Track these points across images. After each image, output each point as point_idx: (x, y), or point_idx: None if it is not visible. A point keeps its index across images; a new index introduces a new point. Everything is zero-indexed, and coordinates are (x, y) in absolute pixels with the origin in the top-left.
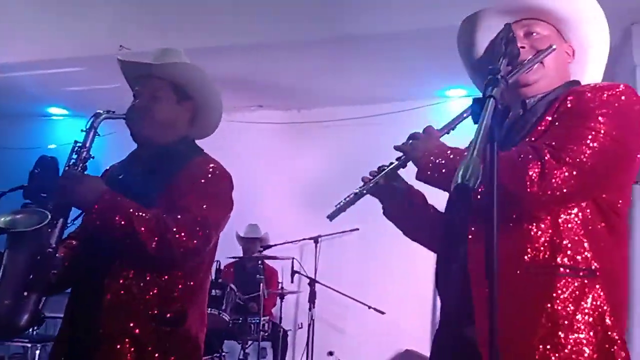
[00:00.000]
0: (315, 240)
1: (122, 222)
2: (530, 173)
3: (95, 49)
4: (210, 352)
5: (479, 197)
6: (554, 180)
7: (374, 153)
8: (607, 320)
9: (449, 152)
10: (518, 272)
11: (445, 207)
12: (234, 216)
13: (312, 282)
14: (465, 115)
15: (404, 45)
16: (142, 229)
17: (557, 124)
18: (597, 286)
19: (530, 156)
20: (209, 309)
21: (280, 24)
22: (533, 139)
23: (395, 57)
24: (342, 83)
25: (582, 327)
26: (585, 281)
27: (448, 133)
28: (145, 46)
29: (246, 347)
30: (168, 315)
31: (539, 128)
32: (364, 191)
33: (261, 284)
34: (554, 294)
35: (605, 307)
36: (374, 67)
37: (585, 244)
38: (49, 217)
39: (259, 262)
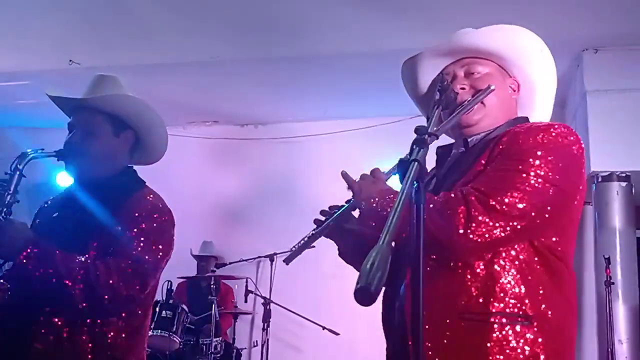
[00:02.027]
0: (271, 258)
1: (48, 273)
2: (457, 221)
3: (44, 63)
4: None
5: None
6: (480, 227)
7: (336, 168)
8: None
9: (391, 195)
10: (452, 318)
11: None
12: (189, 234)
13: (267, 302)
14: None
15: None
16: (69, 279)
17: (489, 167)
18: (533, 333)
19: (457, 203)
20: (159, 331)
21: (227, 41)
22: (472, 178)
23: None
24: (302, 99)
25: None
26: (518, 328)
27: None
28: (96, 61)
29: None
30: None
31: (477, 169)
32: (317, 234)
33: (213, 305)
34: (489, 343)
35: (541, 355)
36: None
37: (521, 289)
38: None
39: (212, 281)
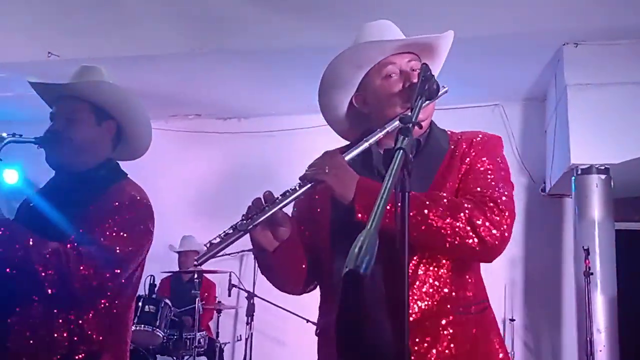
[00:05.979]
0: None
1: (19, 256)
2: (484, 227)
3: (22, 55)
4: None
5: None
6: (504, 230)
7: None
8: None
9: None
10: (459, 315)
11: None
12: (171, 228)
13: (251, 296)
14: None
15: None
16: (39, 264)
17: (474, 174)
18: (491, 315)
19: (480, 211)
20: (142, 326)
21: (208, 33)
22: (449, 184)
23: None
24: (285, 93)
25: (497, 346)
26: (488, 310)
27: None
28: (75, 53)
29: None
30: (77, 356)
31: (446, 174)
32: (251, 226)
33: (197, 299)
34: (488, 328)
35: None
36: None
37: (477, 279)
38: None
39: (195, 276)
